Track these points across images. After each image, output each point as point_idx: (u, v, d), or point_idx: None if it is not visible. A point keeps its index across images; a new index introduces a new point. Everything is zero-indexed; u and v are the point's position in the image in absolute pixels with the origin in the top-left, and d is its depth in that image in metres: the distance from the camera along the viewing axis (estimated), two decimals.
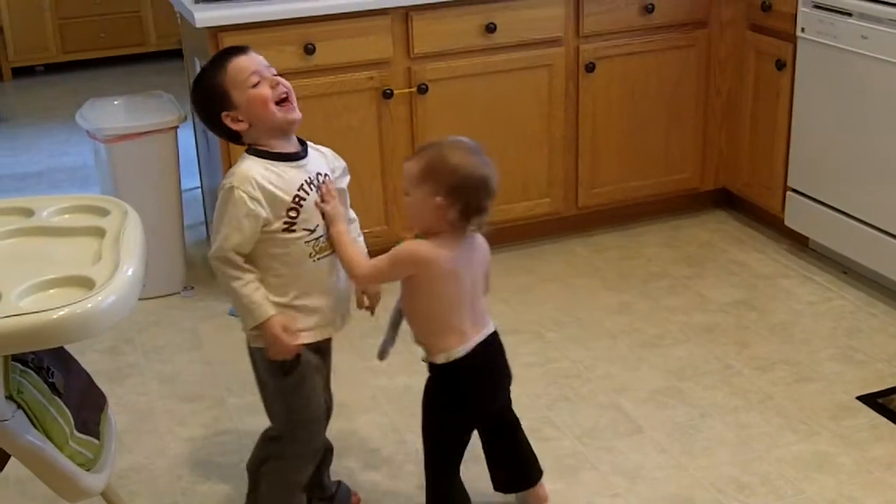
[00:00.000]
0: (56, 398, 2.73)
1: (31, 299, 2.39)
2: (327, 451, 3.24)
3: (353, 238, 2.98)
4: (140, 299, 4.40)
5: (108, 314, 2.38)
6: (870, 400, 3.73)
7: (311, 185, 2.87)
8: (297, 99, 2.88)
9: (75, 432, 2.74)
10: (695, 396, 3.79)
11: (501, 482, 3.25)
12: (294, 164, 2.87)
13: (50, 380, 2.75)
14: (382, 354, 3.09)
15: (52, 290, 2.44)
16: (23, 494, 3.36)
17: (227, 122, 2.86)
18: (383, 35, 4.42)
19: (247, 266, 2.82)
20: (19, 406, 2.61)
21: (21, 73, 8.67)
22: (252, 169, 2.81)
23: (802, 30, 4.52)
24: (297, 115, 2.89)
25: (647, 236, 5.10)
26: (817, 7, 4.42)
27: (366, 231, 4.48)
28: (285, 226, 2.82)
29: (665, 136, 5.06)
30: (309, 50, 4.29)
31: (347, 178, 3.08)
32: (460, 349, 2.91)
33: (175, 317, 4.53)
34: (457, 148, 2.85)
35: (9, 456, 2.69)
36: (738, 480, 3.34)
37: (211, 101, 2.88)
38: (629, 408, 3.73)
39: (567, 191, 4.96)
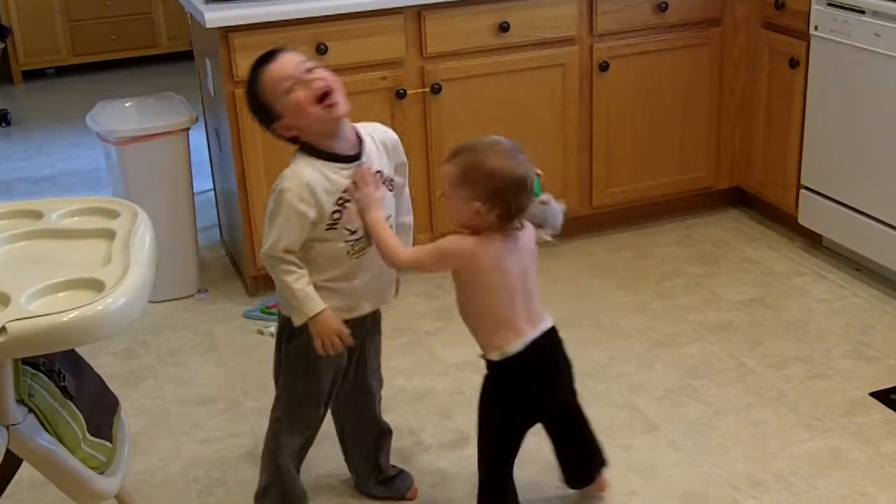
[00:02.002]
0: (68, 401, 2.73)
1: (40, 302, 2.39)
2: (385, 433, 3.33)
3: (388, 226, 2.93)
4: (153, 302, 4.48)
5: (118, 316, 2.37)
6: (883, 396, 3.72)
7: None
8: None
9: (88, 435, 2.74)
10: (709, 394, 3.78)
11: (571, 478, 3.26)
12: (347, 165, 2.85)
13: (61, 383, 2.75)
14: None
15: (61, 293, 2.44)
16: (36, 499, 3.36)
17: (281, 132, 2.85)
18: (396, 35, 4.41)
19: (298, 262, 2.85)
20: (30, 410, 2.61)
21: (31, 75, 8.68)
22: (304, 172, 2.80)
23: (816, 28, 4.50)
24: (342, 109, 2.83)
25: (661, 235, 5.09)
26: (831, 5, 4.41)
27: None
28: (328, 226, 2.84)
29: (679, 134, 5.05)
30: (321, 50, 4.28)
31: (403, 179, 3.08)
32: (515, 345, 2.89)
33: (189, 319, 4.53)
34: (493, 151, 2.81)
35: (21, 460, 2.69)
36: (752, 477, 3.34)
37: (259, 116, 2.88)
38: (644, 406, 3.73)
39: (581, 190, 4.95)
